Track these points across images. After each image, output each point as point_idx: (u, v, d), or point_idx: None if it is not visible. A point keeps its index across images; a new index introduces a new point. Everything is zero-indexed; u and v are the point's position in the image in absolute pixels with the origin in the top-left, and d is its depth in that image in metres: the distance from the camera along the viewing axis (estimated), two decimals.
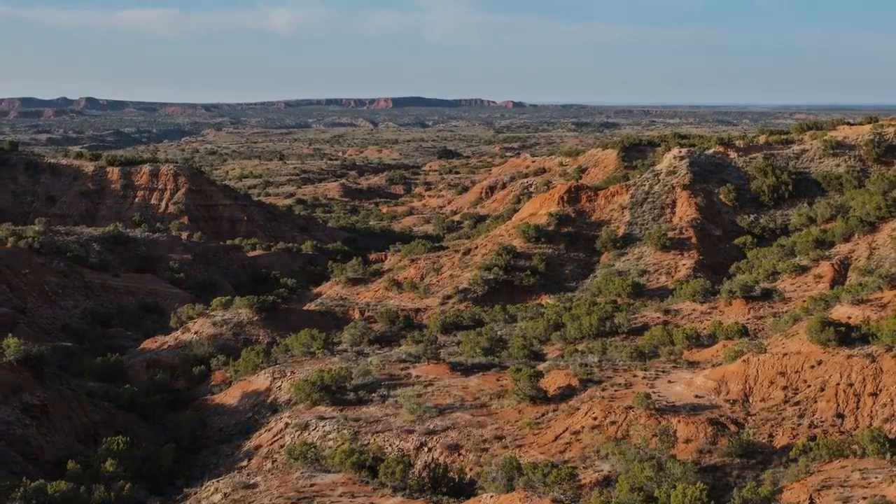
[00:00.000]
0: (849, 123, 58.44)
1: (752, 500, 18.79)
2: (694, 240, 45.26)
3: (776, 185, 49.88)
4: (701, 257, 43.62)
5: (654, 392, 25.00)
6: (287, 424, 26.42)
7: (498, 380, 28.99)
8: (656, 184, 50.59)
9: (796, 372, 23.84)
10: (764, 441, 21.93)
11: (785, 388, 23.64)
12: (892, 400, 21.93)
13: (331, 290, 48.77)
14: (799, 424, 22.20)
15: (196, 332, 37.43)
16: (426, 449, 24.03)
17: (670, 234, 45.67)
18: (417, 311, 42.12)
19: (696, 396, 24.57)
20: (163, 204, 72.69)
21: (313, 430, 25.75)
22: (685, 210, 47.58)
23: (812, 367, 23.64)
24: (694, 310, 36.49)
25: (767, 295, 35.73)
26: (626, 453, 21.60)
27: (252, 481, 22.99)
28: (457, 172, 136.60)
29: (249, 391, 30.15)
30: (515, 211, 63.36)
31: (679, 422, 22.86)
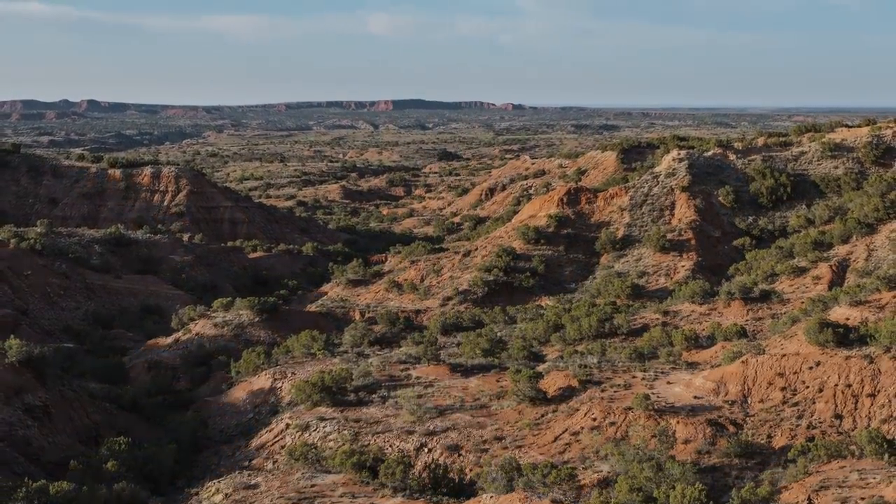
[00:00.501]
0: (847, 126, 58.56)
1: (751, 500, 18.90)
2: (693, 241, 45.37)
3: (775, 187, 49.99)
4: (700, 259, 43.73)
5: (653, 393, 25.12)
6: (288, 425, 26.53)
7: (498, 381, 29.11)
8: (655, 186, 50.72)
9: (795, 373, 23.94)
10: (762, 442, 22.04)
11: (783, 389, 23.74)
12: (889, 401, 22.04)
13: (331, 292, 48.89)
14: (797, 425, 22.30)
15: (197, 334, 37.54)
16: (426, 450, 24.14)
17: (669, 236, 45.80)
18: (418, 312, 42.24)
19: (695, 397, 24.69)
20: (164, 206, 72.82)
21: (314, 430, 25.86)
22: (684, 212, 47.70)
23: (810, 368, 23.76)
24: (693, 311, 36.60)
25: (766, 296, 35.83)
26: (625, 454, 21.70)
27: (253, 482, 23.11)
28: (457, 174, 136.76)
29: (250, 392, 30.27)
30: (515, 213, 63.47)
31: (678, 423, 22.97)
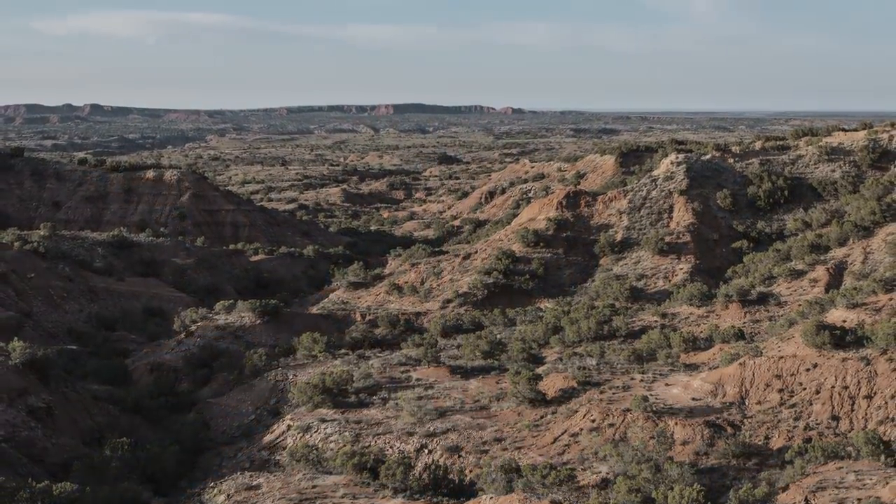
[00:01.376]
0: (844, 129, 58.71)
1: (749, 501, 19.06)
2: (691, 244, 45.51)
3: (772, 191, 50.15)
4: (698, 262, 43.87)
5: (651, 395, 25.29)
6: (289, 427, 26.71)
7: (497, 382, 29.28)
8: (654, 189, 50.89)
9: (792, 375, 24.10)
10: (760, 443, 22.19)
11: (781, 390, 23.89)
12: (886, 403, 22.18)
13: (332, 294, 49.07)
14: (795, 426, 22.44)
15: (199, 336, 37.72)
16: (427, 451, 24.31)
17: (668, 239, 45.95)
18: (418, 314, 42.41)
19: (693, 399, 24.84)
20: (166, 209, 73.06)
21: (315, 432, 26.04)
22: (682, 215, 47.87)
23: (807, 369, 23.91)
24: (691, 313, 36.75)
25: (763, 299, 35.97)
26: (623, 455, 21.86)
27: (255, 483, 23.28)
28: (457, 178, 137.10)
29: (252, 394, 30.46)
30: (515, 216, 63.66)
31: (676, 424, 23.13)
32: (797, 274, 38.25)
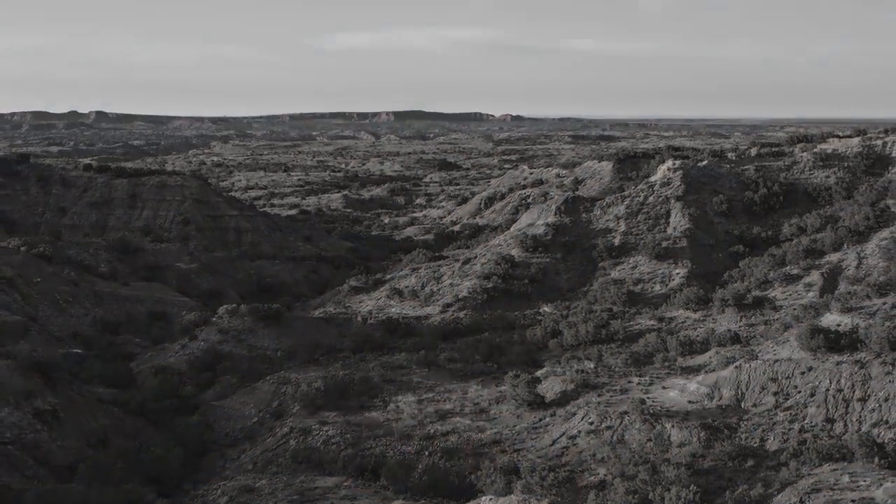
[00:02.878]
0: (838, 136, 59.13)
1: (744, 502, 19.37)
2: (687, 249, 45.84)
3: (768, 196, 50.54)
4: (694, 266, 44.19)
5: (649, 397, 25.61)
6: (291, 429, 27.04)
7: (497, 385, 29.60)
8: (651, 195, 51.27)
9: (787, 378, 24.41)
10: (756, 445, 22.48)
11: (776, 393, 24.20)
12: (880, 405, 22.47)
13: (334, 298, 49.43)
14: (790, 429, 22.72)
15: (203, 339, 38.05)
16: (426, 453, 24.63)
17: (664, 244, 46.30)
18: (418, 318, 42.75)
19: (690, 402, 25.17)
20: (170, 214, 73.45)
21: (316, 434, 26.37)
22: (679, 220, 48.24)
23: (802, 373, 24.21)
24: (688, 317, 37.08)
25: (759, 303, 36.25)
26: (621, 457, 22.17)
27: (257, 484, 23.60)
28: (457, 184, 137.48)
29: (254, 396, 30.79)
30: (514, 221, 64.04)
31: (673, 426, 23.45)
32: (792, 278, 38.54)
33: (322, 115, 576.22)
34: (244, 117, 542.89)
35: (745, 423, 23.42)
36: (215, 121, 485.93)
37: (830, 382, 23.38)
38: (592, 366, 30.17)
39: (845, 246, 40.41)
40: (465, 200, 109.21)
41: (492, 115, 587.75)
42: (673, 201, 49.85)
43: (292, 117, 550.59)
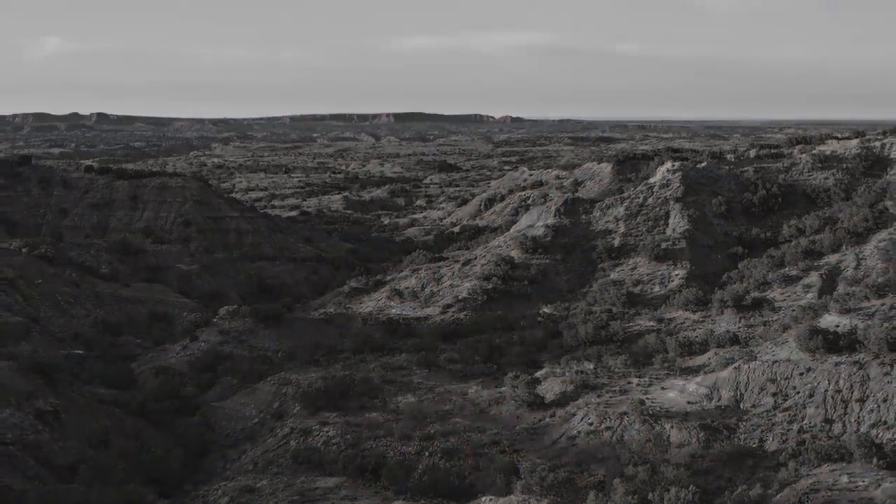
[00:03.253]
0: (837, 137, 59.23)
1: (743, 502, 19.42)
2: (687, 251, 45.94)
3: (767, 197, 50.64)
4: (693, 267, 44.28)
5: (648, 398, 25.70)
6: (292, 430, 27.12)
7: (496, 386, 29.70)
8: (650, 196, 51.39)
9: (786, 378, 24.49)
10: (755, 446, 22.56)
11: (775, 394, 24.29)
12: (878, 406, 22.55)
13: (334, 299, 49.52)
14: (789, 430, 22.80)
15: (204, 340, 38.14)
16: (426, 453, 24.71)
17: (664, 245, 46.40)
18: (418, 319, 42.82)
19: (689, 402, 25.25)
20: (171, 215, 73.57)
21: (316, 435, 26.45)
22: (678, 222, 48.34)
23: (801, 373, 24.29)
24: (687, 318, 37.17)
25: (758, 304, 36.31)
26: (620, 458, 22.25)
27: (257, 485, 23.67)
28: (457, 185, 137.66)
29: (255, 397, 30.88)
30: (513, 222, 64.18)
31: (672, 427, 23.54)
32: (791, 279, 38.63)
33: (322, 117, 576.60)
34: (244, 119, 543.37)
35: (744, 423, 23.51)
36: (216, 122, 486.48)
37: (829, 383, 23.45)
38: (592, 367, 30.24)
39: (844, 247, 40.49)
40: (465, 202, 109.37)
41: (491, 117, 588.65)
42: (672, 203, 49.97)
43: (292, 119, 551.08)
